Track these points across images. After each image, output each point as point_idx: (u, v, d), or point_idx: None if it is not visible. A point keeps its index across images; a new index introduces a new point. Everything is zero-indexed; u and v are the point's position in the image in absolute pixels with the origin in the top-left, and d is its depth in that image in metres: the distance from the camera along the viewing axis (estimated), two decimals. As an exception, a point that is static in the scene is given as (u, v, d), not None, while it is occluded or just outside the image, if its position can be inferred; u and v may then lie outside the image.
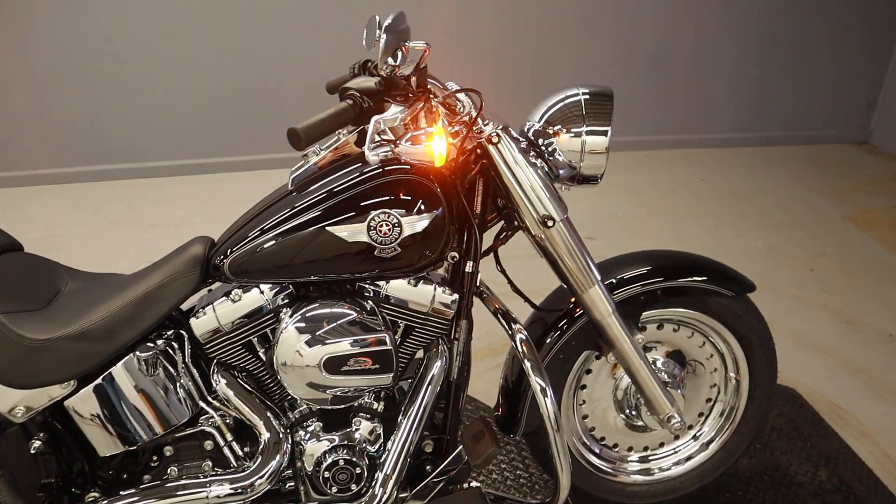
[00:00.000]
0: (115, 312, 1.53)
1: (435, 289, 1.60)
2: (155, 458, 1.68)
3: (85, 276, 1.75)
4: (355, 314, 1.55)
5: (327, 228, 1.49)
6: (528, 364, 1.63)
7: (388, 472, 1.62)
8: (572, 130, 1.61)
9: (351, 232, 1.49)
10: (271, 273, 1.54)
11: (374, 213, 1.48)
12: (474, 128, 1.53)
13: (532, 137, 1.65)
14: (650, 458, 2.07)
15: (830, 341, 3.00)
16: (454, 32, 4.34)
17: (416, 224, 1.50)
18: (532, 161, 1.58)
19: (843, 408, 2.62)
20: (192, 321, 1.58)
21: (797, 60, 4.91)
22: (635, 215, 4.07)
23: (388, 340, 1.54)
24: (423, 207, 1.50)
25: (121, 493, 1.62)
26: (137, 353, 1.57)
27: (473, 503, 1.69)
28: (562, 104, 1.64)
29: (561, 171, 1.65)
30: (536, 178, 1.56)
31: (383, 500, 1.62)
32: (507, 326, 1.69)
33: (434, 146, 1.45)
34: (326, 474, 1.63)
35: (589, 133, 1.61)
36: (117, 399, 1.57)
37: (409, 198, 1.50)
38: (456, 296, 1.61)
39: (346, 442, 1.65)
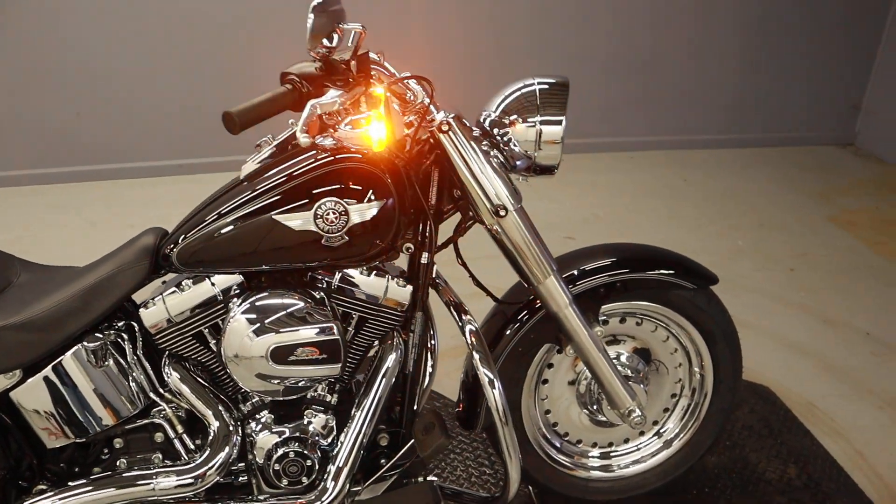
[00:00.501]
0: (62, 303, 1.52)
1: (388, 280, 1.58)
2: (105, 450, 1.66)
3: (39, 268, 1.74)
4: (303, 304, 1.53)
5: (275, 217, 1.48)
6: (476, 356, 1.61)
7: (340, 465, 1.60)
8: (528, 120, 1.60)
9: (298, 220, 1.47)
10: (221, 262, 1.53)
11: (321, 201, 1.47)
12: (427, 117, 1.52)
13: (488, 128, 1.64)
14: (611, 454, 2.05)
15: (808, 340, 2.98)
16: (448, 30, 4.34)
17: (364, 213, 1.48)
18: (485, 150, 1.57)
19: (818, 406, 2.60)
20: (142, 312, 1.56)
21: (782, 62, 4.91)
22: (616, 216, 4.05)
23: (335, 330, 1.52)
24: (372, 197, 1.49)
25: (69, 484, 1.60)
26: (85, 343, 1.55)
27: (425, 497, 1.66)
28: (518, 94, 1.63)
29: (518, 162, 1.64)
30: (488, 166, 1.55)
31: (335, 492, 1.60)
32: (457, 318, 1.67)
33: (373, 130, 1.43)
34: (277, 466, 1.61)
35: (544, 122, 1.60)
36: (65, 390, 1.55)
37: (359, 187, 1.48)
38: (410, 287, 1.60)
39: (297, 434, 1.62)
